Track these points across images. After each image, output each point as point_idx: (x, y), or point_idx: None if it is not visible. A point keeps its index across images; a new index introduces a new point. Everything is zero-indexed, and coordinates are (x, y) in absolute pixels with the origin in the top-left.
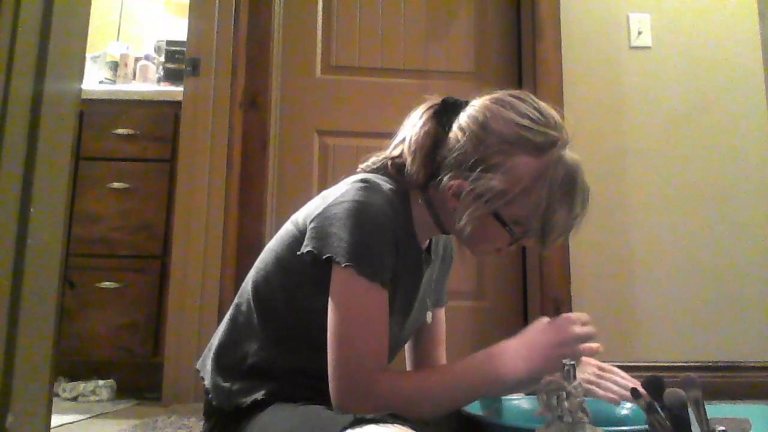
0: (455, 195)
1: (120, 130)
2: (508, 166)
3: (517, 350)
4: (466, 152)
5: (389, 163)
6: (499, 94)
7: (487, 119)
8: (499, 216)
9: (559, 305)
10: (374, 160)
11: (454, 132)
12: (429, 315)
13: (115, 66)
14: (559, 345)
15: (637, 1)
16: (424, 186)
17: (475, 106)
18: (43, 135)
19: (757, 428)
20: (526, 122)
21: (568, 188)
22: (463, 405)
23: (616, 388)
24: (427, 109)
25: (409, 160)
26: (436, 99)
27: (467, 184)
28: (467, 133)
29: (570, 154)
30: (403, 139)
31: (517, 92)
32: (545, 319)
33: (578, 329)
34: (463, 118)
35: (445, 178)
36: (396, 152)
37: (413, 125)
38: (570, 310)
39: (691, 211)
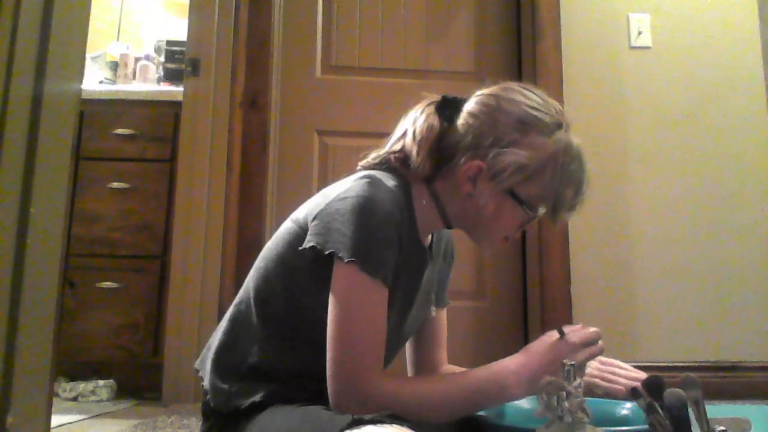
0: (471, 178)
1: (120, 130)
2: (525, 142)
3: (520, 373)
4: (481, 133)
5: (392, 157)
6: (502, 84)
7: (500, 102)
8: (516, 194)
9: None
10: (374, 155)
11: (464, 119)
12: (433, 310)
13: (115, 66)
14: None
15: (637, 1)
16: (429, 178)
17: (481, 95)
18: (43, 135)
19: (757, 428)
20: (534, 104)
21: (576, 167)
22: (459, 416)
23: (617, 379)
24: (428, 104)
25: (414, 151)
26: (435, 96)
27: (485, 163)
28: (480, 117)
29: (574, 137)
30: (404, 134)
31: (519, 83)
32: (554, 337)
33: (581, 356)
34: (470, 106)
35: (462, 161)
36: (397, 147)
37: (414, 120)
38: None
39: (691, 211)
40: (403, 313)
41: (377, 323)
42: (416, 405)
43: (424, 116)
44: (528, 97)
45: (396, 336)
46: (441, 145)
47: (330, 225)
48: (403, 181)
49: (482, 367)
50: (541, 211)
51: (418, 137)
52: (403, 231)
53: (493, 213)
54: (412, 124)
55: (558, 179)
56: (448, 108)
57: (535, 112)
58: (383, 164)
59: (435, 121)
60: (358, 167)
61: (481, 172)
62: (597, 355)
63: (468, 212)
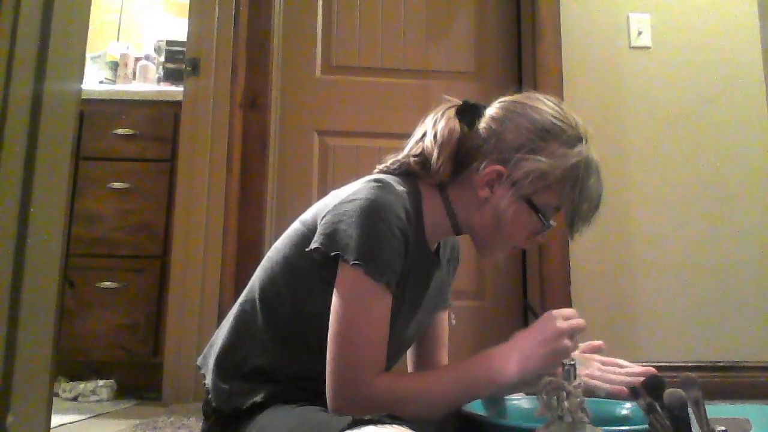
0: (490, 183)
1: (120, 130)
2: (548, 151)
3: (508, 352)
4: (505, 139)
5: (411, 161)
6: (526, 92)
7: (524, 109)
8: (532, 203)
9: (532, 307)
10: (393, 160)
11: (486, 123)
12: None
13: (115, 66)
14: (544, 342)
15: (637, 1)
16: (442, 184)
17: (505, 101)
18: (43, 135)
19: (757, 428)
20: (557, 114)
21: (595, 183)
22: (457, 406)
23: (619, 378)
24: (449, 107)
25: (435, 153)
26: (455, 100)
27: (505, 169)
28: (504, 122)
29: (593, 152)
30: (423, 137)
31: (541, 93)
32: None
33: (561, 324)
34: (493, 111)
35: (481, 166)
36: (416, 150)
37: (434, 122)
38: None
39: (691, 211)
40: (409, 318)
41: (378, 326)
42: (414, 402)
43: (444, 120)
44: (551, 107)
45: (400, 340)
46: (459, 150)
47: (336, 226)
48: (414, 186)
49: (473, 355)
50: (554, 223)
51: (438, 140)
52: (410, 236)
53: (508, 220)
54: (432, 127)
55: (577, 192)
56: (468, 112)
57: (558, 122)
58: (402, 169)
59: (456, 124)
60: (376, 170)
61: (501, 177)
62: (581, 327)
63: (480, 219)
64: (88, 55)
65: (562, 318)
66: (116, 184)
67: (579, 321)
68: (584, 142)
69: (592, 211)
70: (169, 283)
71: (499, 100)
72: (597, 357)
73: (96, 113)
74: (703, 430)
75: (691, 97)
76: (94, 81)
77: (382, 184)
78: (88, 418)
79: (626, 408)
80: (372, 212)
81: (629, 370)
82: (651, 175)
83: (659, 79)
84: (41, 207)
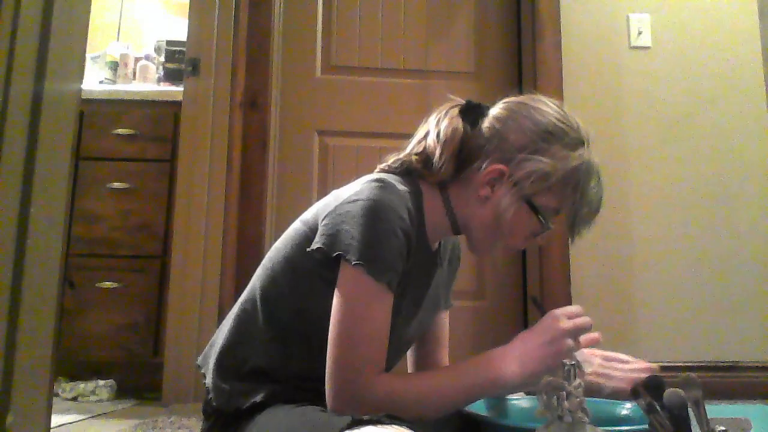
0: (491, 182)
1: (120, 130)
2: (551, 152)
3: (510, 353)
4: (507, 138)
5: (414, 159)
6: (529, 94)
7: (528, 110)
8: (532, 203)
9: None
10: (395, 158)
11: (489, 123)
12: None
13: (115, 66)
14: (549, 343)
15: (637, 1)
16: (444, 183)
17: (509, 102)
18: (43, 135)
19: (757, 428)
20: (560, 117)
21: (595, 186)
22: (458, 408)
23: (622, 375)
24: (452, 107)
25: (437, 152)
26: (457, 99)
27: (508, 168)
28: (508, 122)
29: (594, 156)
30: (425, 136)
31: (543, 95)
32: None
33: (566, 324)
34: (497, 111)
35: (483, 165)
36: (419, 149)
37: (437, 122)
38: None
39: (691, 211)
40: (410, 318)
41: (379, 327)
42: (413, 403)
43: (448, 119)
44: (554, 109)
45: (401, 341)
46: (462, 149)
47: (339, 227)
48: (415, 186)
49: (475, 355)
50: (553, 225)
51: (442, 139)
52: (412, 236)
53: (508, 219)
54: (435, 126)
55: (578, 195)
56: (471, 112)
57: (561, 124)
58: (404, 167)
59: (459, 123)
60: (377, 170)
61: (503, 176)
62: (587, 325)
63: (480, 218)
64: (88, 55)
65: (566, 317)
66: (116, 184)
67: (584, 320)
68: (586, 145)
69: (593, 214)
70: (169, 283)
71: (503, 100)
72: (598, 352)
73: (96, 113)
74: (703, 430)
75: (691, 97)
76: (94, 81)
77: (384, 184)
78: (88, 418)
79: (626, 408)
80: (374, 212)
81: (632, 366)
82: (651, 175)
83: (659, 79)
84: (41, 207)
